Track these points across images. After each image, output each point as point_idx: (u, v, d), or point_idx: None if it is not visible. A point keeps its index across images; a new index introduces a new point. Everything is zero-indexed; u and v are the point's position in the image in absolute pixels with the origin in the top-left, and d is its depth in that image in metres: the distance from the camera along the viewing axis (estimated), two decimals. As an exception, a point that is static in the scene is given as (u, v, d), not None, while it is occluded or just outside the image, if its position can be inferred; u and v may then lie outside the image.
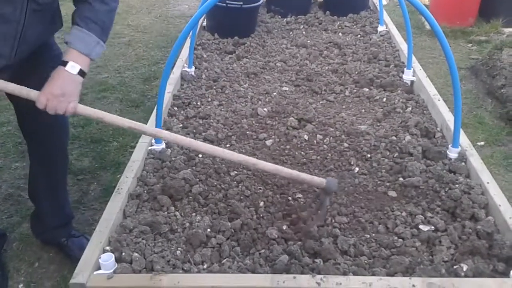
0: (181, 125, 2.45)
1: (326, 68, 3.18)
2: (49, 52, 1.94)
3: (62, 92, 1.62)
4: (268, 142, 2.34)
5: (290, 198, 1.97)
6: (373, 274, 1.54)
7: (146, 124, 2.36)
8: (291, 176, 1.79)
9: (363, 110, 2.68)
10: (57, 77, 1.64)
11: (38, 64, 1.87)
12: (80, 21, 1.67)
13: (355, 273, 1.55)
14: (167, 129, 2.37)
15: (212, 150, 1.79)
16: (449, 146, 2.16)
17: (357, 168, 2.15)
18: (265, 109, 2.62)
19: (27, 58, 1.80)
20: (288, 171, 1.78)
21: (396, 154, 2.22)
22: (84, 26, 1.67)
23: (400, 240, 1.72)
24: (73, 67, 1.64)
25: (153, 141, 2.21)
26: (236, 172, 2.11)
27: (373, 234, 1.77)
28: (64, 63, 1.65)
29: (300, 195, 1.98)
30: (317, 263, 1.59)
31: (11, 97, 1.94)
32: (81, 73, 1.67)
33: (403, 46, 3.31)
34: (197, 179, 2.03)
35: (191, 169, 2.08)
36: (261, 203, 1.92)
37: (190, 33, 2.85)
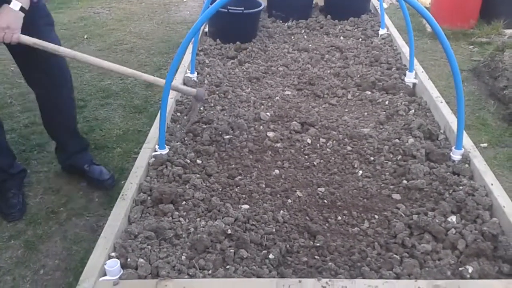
0: (184, 130, 2.46)
1: (328, 71, 3.18)
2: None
3: (7, 25, 2.02)
4: (272, 147, 2.35)
5: (291, 201, 1.98)
6: (380, 277, 1.55)
7: (150, 129, 2.38)
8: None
9: (366, 113, 2.68)
10: (3, 12, 2.03)
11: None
12: None
13: (361, 276, 1.55)
14: (171, 135, 2.39)
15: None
16: (453, 148, 2.16)
17: (360, 171, 2.16)
18: (267, 113, 2.62)
19: None
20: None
21: (400, 156, 2.22)
22: None
23: (405, 242, 1.72)
24: (15, 4, 2.04)
25: (156, 147, 2.22)
26: (240, 177, 2.12)
27: (378, 237, 1.77)
28: (8, 1, 2.03)
29: (300, 194, 1.99)
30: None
31: (10, 49, 2.35)
32: (22, 9, 2.07)
33: (405, 49, 3.32)
34: (201, 184, 2.03)
35: (194, 175, 2.08)
36: (265, 205, 1.93)
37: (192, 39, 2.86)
